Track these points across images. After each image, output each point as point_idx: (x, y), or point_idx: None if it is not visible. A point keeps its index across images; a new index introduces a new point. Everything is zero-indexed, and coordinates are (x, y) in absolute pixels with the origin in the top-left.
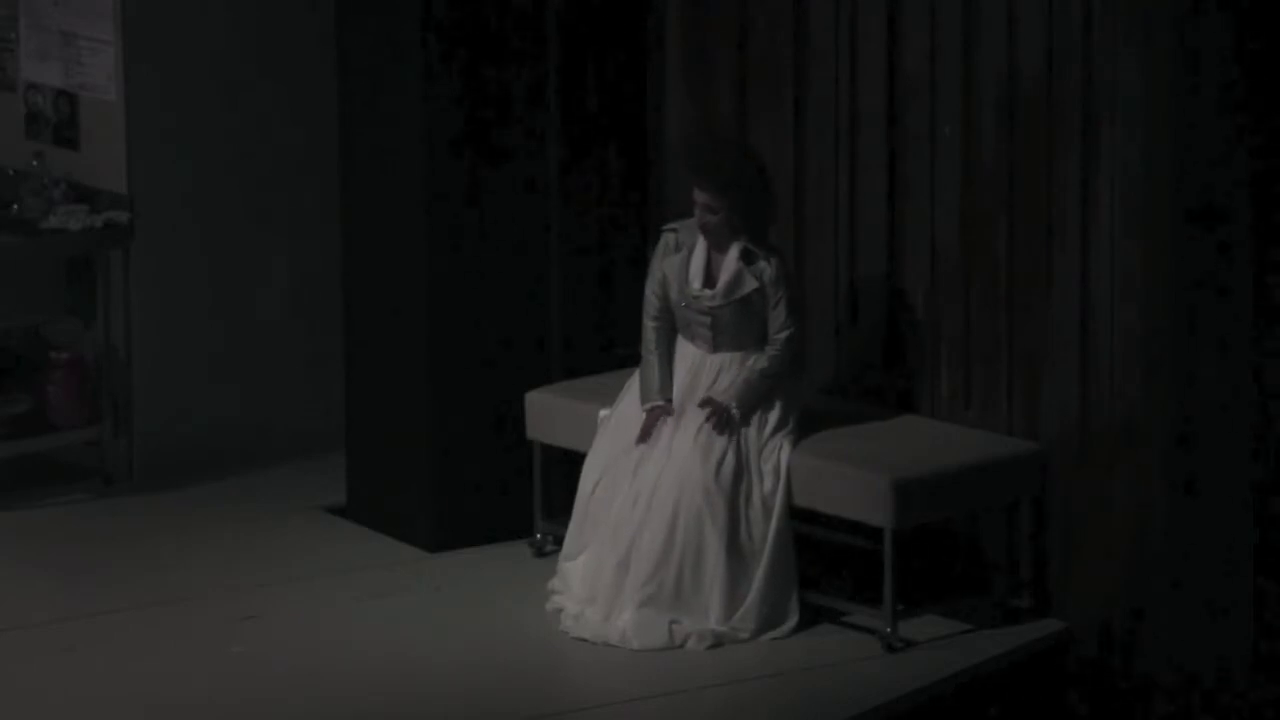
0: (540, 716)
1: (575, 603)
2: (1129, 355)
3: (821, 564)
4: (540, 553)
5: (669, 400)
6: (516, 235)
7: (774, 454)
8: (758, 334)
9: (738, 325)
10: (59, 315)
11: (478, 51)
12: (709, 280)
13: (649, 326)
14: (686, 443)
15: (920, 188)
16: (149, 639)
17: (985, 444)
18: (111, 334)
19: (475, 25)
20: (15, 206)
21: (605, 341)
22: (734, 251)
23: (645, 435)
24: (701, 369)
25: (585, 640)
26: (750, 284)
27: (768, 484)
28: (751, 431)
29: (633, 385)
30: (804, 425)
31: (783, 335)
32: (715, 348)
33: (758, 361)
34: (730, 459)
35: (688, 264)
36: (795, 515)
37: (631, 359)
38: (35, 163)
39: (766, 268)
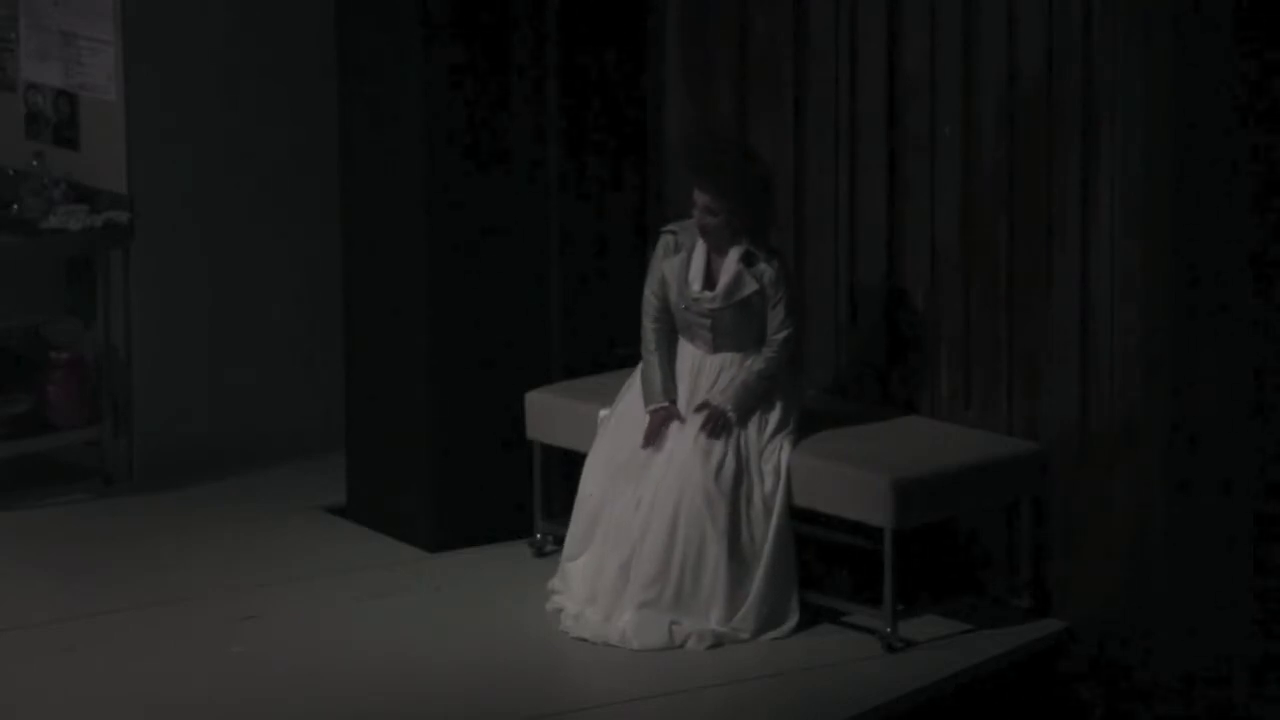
0: (540, 716)
1: (575, 603)
2: (1129, 355)
3: (821, 564)
4: (540, 553)
5: (673, 401)
6: (516, 235)
7: (774, 454)
8: (758, 335)
9: (738, 327)
10: (59, 315)
11: (478, 51)
12: (709, 282)
13: (648, 327)
14: (686, 445)
15: (920, 188)
16: (149, 639)
17: (985, 444)
18: (111, 334)
19: (475, 25)
20: (15, 206)
21: (605, 341)
22: (734, 253)
23: (650, 438)
24: (702, 370)
25: (585, 640)
26: (750, 286)
27: (768, 484)
28: (752, 433)
29: (633, 384)
30: (804, 425)
31: (780, 336)
32: (715, 349)
33: (754, 363)
34: (730, 461)
35: (687, 266)
36: (795, 515)
37: (631, 359)
38: (35, 163)
39: (766, 269)
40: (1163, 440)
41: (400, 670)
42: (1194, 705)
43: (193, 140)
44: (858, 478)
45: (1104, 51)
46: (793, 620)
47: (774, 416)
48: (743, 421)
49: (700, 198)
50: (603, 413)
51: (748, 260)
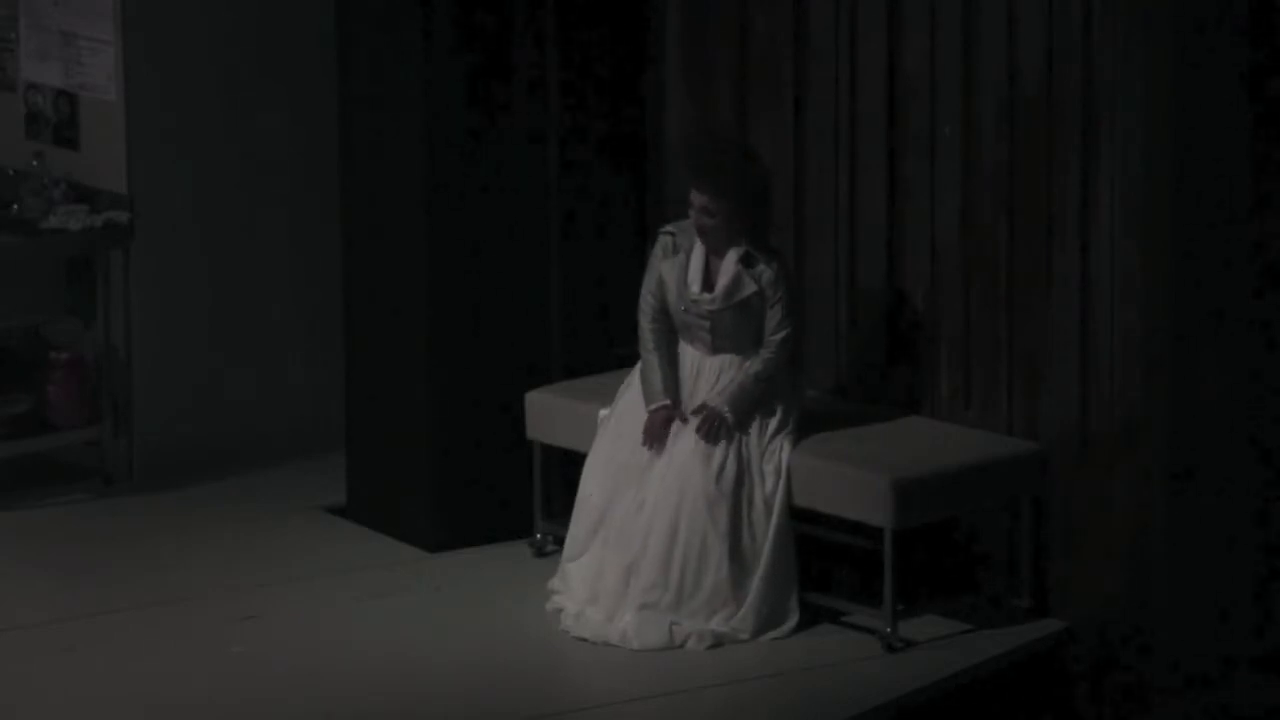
0: (540, 716)
1: (576, 603)
2: (1129, 355)
3: (821, 564)
4: (540, 553)
5: (673, 401)
6: (516, 235)
7: (774, 454)
8: (757, 336)
9: (737, 328)
10: (59, 315)
11: (477, 52)
12: (708, 284)
13: (646, 328)
14: (687, 447)
15: (920, 188)
16: (149, 639)
17: (985, 444)
18: (111, 334)
19: (475, 25)
20: (15, 206)
21: (605, 341)
22: (733, 255)
23: (650, 437)
24: (702, 372)
25: (585, 640)
26: (750, 287)
27: (769, 484)
28: (753, 435)
29: (631, 384)
30: (804, 425)
31: (777, 337)
32: (714, 350)
33: (752, 365)
34: (731, 463)
35: (686, 267)
36: (795, 515)
37: (631, 359)
38: (35, 163)
39: (765, 270)
40: (1163, 440)
41: (400, 670)
42: (1194, 705)
43: (193, 140)
44: (858, 478)
45: (1104, 51)
46: (793, 620)
47: (774, 418)
48: (740, 424)
49: (698, 198)
50: (603, 413)
51: (747, 261)
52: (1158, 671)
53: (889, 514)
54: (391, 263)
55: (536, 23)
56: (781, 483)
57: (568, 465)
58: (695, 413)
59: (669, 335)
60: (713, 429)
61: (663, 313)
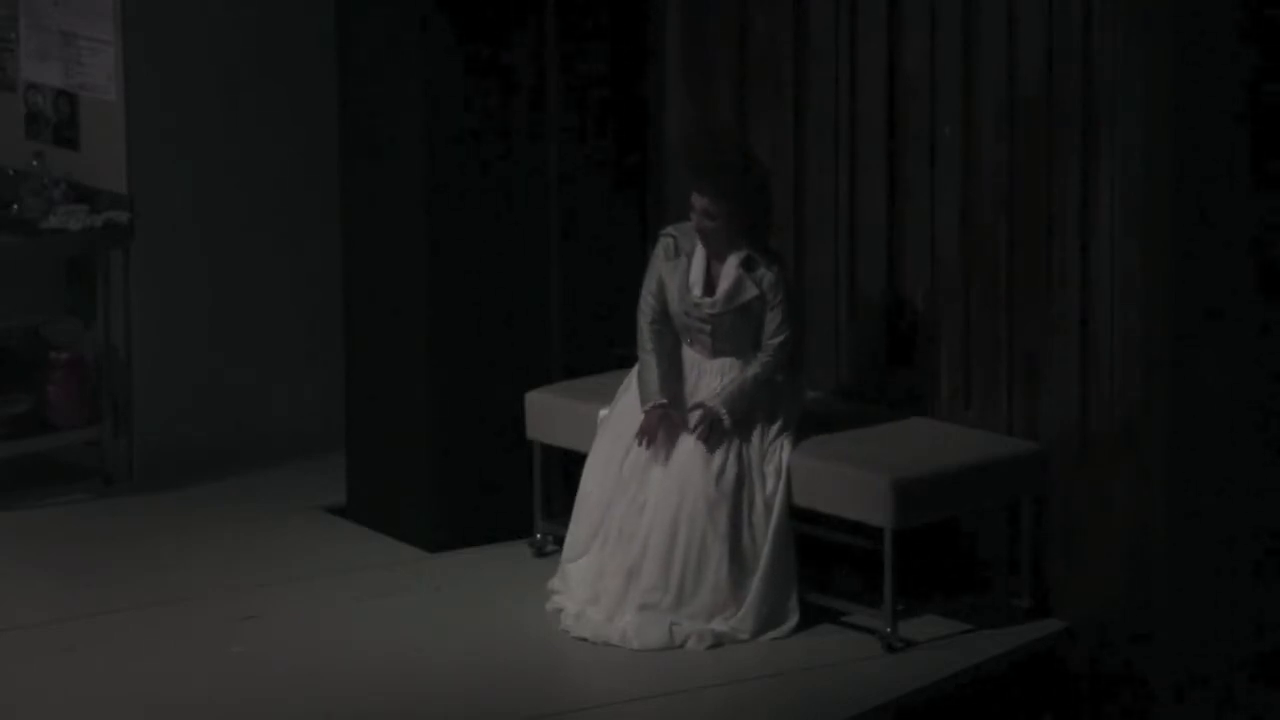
0: (540, 716)
1: (576, 603)
2: (1129, 355)
3: (821, 564)
4: (540, 553)
5: (669, 400)
6: (516, 235)
7: (775, 455)
8: (757, 339)
9: (737, 331)
10: (59, 315)
11: (477, 51)
12: (709, 287)
13: (645, 329)
14: (688, 448)
15: (920, 188)
16: (149, 639)
17: (985, 444)
18: (111, 334)
19: (475, 25)
20: (15, 206)
21: (605, 341)
22: (734, 259)
23: (647, 436)
24: (702, 374)
25: (585, 640)
26: (751, 291)
27: (769, 485)
28: (754, 439)
29: (631, 385)
30: (804, 425)
31: (775, 341)
32: (715, 354)
33: (750, 368)
34: (732, 465)
35: (687, 271)
36: (795, 515)
37: (631, 359)
38: (35, 163)
39: (767, 274)
40: (1163, 440)
41: (400, 670)
42: (1194, 705)
43: (193, 140)
44: (858, 478)
45: (1104, 51)
46: (793, 620)
47: (775, 423)
48: (737, 425)
49: (699, 200)
50: (603, 413)
51: (748, 265)
52: (1158, 671)
53: (889, 514)
54: (391, 263)
55: (536, 23)
56: (781, 483)
57: (568, 465)
58: (692, 410)
59: (668, 337)
60: (709, 429)
61: (662, 314)
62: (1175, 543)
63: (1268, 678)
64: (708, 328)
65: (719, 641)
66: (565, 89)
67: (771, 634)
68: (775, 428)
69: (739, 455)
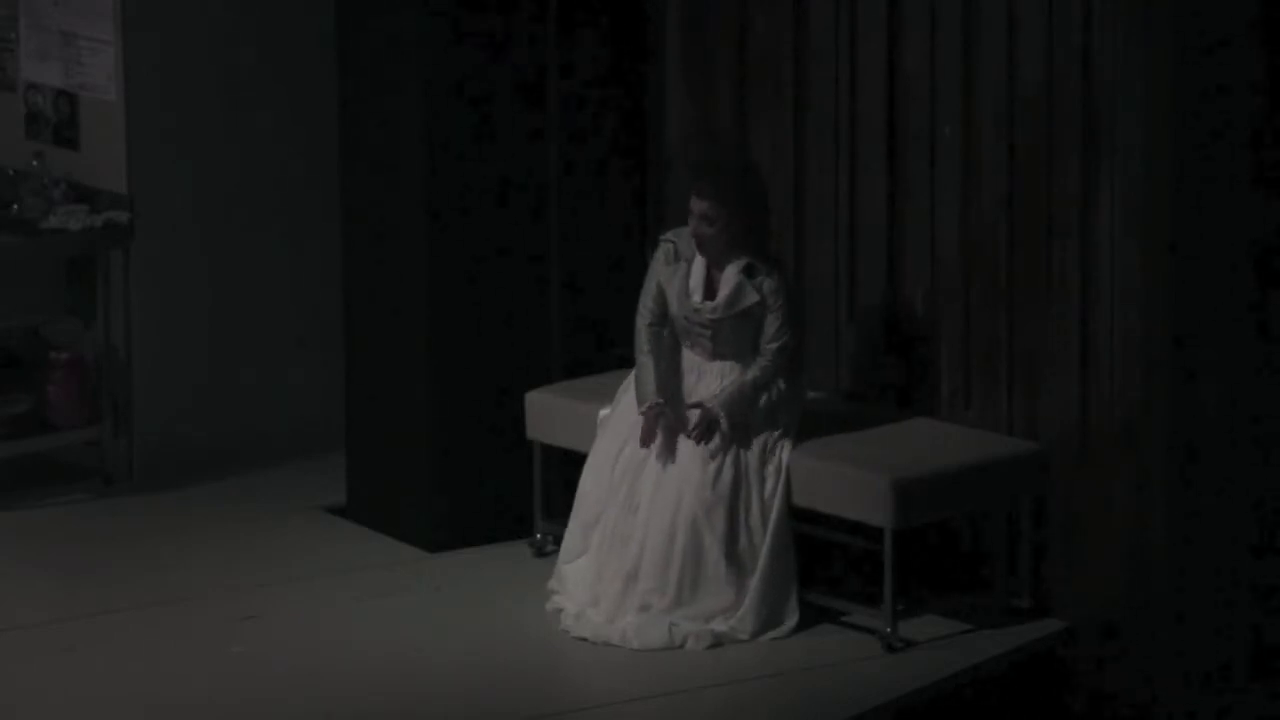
0: (540, 716)
1: (575, 604)
2: (1129, 355)
3: (821, 564)
4: (540, 553)
5: (665, 400)
6: (516, 235)
7: (774, 455)
8: (758, 343)
9: (738, 336)
10: (59, 315)
11: (477, 52)
12: (709, 292)
13: (642, 331)
14: (686, 450)
15: (920, 188)
16: (149, 639)
17: (985, 444)
18: (111, 334)
19: (475, 25)
20: (15, 206)
21: (605, 342)
22: (734, 265)
23: (645, 437)
24: (703, 376)
25: (585, 640)
26: (751, 297)
27: (769, 485)
28: (753, 441)
29: (630, 385)
30: (804, 425)
31: (774, 345)
32: (715, 356)
33: (749, 371)
34: (729, 468)
35: (687, 276)
36: (795, 515)
37: (630, 359)
38: (35, 163)
39: (767, 280)
40: (1163, 440)
41: (400, 670)
42: (1194, 705)
43: (193, 140)
44: (858, 478)
45: (1104, 51)
46: (792, 620)
47: (776, 429)
48: (734, 427)
49: (697, 204)
50: (602, 413)
51: (749, 272)
52: (1158, 671)
53: (889, 514)
54: (391, 262)
55: (537, 23)
56: (781, 483)
57: (568, 465)
58: (690, 409)
59: (665, 339)
60: (705, 430)
61: (659, 318)
62: (1175, 543)
63: (1268, 677)
64: (708, 332)
65: (719, 641)
66: (565, 89)
67: (771, 634)
68: (776, 434)
69: (736, 457)
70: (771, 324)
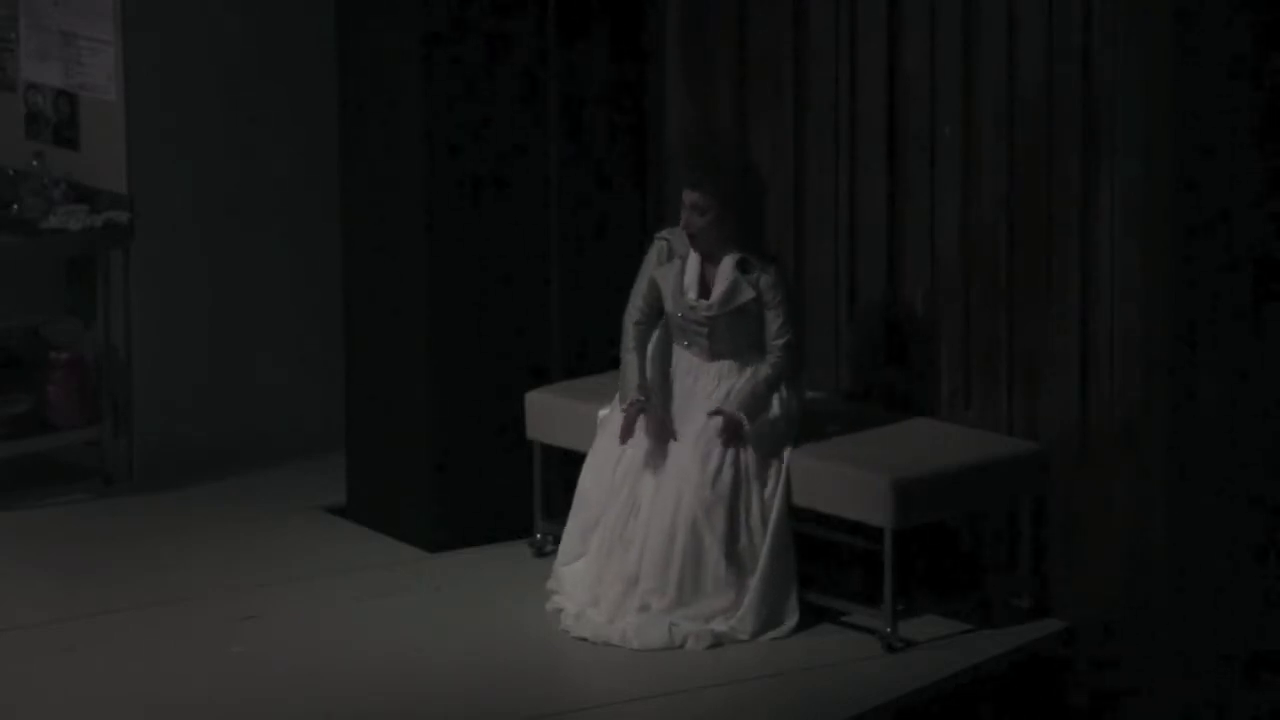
0: (540, 716)
1: (574, 604)
2: (1129, 355)
3: (821, 564)
4: (540, 553)
5: (647, 398)
6: (516, 235)
7: (775, 455)
8: (755, 341)
9: (734, 334)
10: (59, 315)
11: (477, 52)
12: (704, 290)
13: (630, 329)
14: (685, 451)
15: (920, 188)
16: (149, 639)
17: (985, 444)
18: (111, 334)
19: (475, 26)
20: (15, 206)
21: (606, 341)
22: (729, 261)
23: (625, 432)
24: (700, 377)
25: (585, 640)
26: (747, 293)
27: (769, 486)
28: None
29: None
30: (804, 425)
31: (780, 342)
32: (713, 356)
33: (759, 371)
34: (729, 468)
35: (682, 274)
36: (795, 515)
37: None
38: (35, 163)
39: (763, 276)
40: (1163, 440)
41: (400, 670)
42: (1194, 705)
43: (193, 140)
44: (858, 478)
45: (1104, 51)
46: (792, 620)
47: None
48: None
49: (689, 195)
50: (602, 413)
51: (743, 267)
52: (1158, 671)
53: (889, 514)
54: (391, 262)
55: (537, 23)
56: (781, 483)
57: (568, 465)
58: (711, 415)
59: (652, 338)
60: (733, 433)
61: (648, 316)
62: (1175, 543)
63: (1268, 677)
64: (704, 330)
65: (719, 641)
66: (565, 89)
67: (771, 634)
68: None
69: (736, 458)
70: (774, 321)
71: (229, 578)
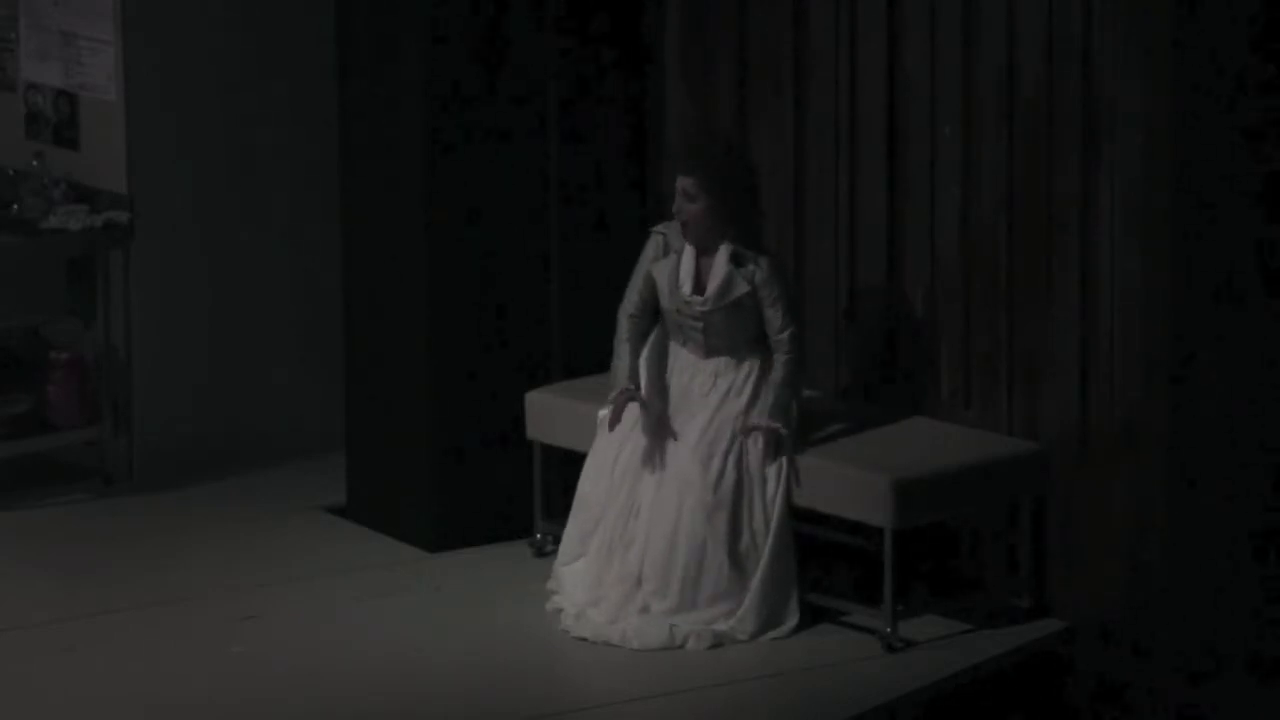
0: (540, 716)
1: (574, 604)
2: (1129, 355)
3: (821, 564)
4: (540, 553)
5: (637, 387)
6: (516, 235)
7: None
8: (751, 336)
9: (730, 328)
10: (59, 315)
11: (477, 52)
12: (699, 285)
13: (623, 321)
14: (685, 453)
15: (920, 188)
16: (149, 639)
17: (985, 444)
18: (111, 334)
19: (475, 26)
20: (15, 206)
21: (606, 341)
22: (723, 255)
23: (612, 422)
24: (696, 374)
25: (585, 640)
26: (741, 287)
27: (770, 486)
28: (752, 445)
29: None
30: (804, 425)
31: (785, 335)
32: (709, 352)
33: (775, 373)
34: (731, 471)
35: (677, 269)
36: (795, 515)
37: None
38: (35, 163)
39: (757, 270)
40: (1163, 440)
41: (400, 670)
42: (1194, 705)
43: (193, 140)
44: (858, 478)
45: (1104, 51)
46: (792, 620)
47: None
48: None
49: (681, 181)
50: (602, 413)
51: (737, 261)
52: (1158, 671)
53: (889, 514)
54: (391, 262)
55: (536, 23)
56: (782, 484)
57: (568, 465)
58: (745, 432)
59: (645, 330)
60: (774, 445)
61: (642, 309)
62: (1175, 543)
63: (1268, 677)
64: (700, 325)
65: (719, 641)
66: (565, 89)
67: (771, 634)
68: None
69: (738, 460)
70: (775, 316)
71: (229, 578)
